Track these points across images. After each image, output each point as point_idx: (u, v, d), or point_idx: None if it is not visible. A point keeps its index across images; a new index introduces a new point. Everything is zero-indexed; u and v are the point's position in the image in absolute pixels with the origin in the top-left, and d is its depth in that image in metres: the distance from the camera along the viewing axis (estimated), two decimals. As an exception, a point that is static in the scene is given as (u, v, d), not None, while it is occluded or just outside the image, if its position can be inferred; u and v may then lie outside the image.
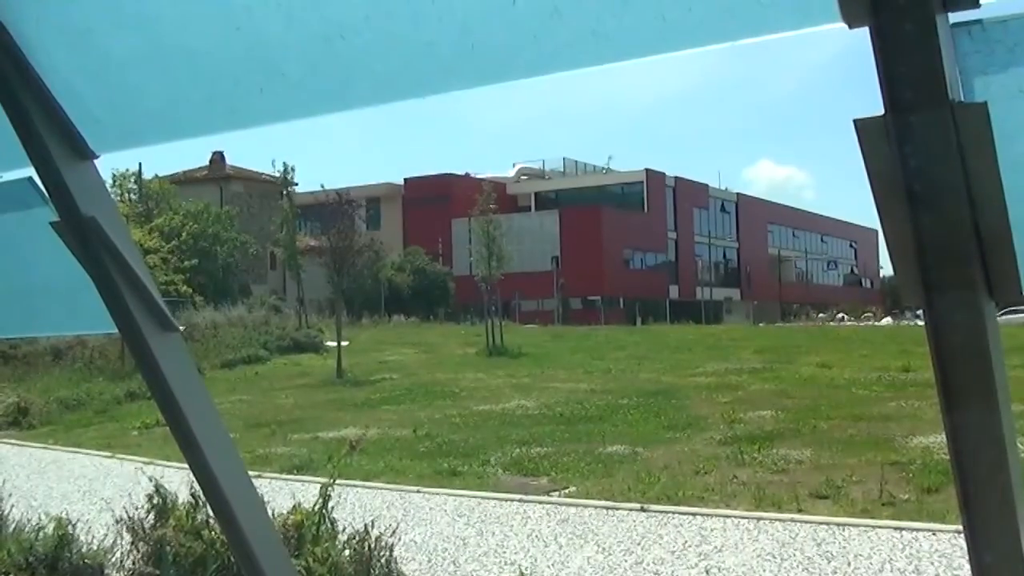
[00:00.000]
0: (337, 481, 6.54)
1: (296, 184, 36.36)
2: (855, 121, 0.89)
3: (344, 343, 25.96)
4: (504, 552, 7.87)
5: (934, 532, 7.67)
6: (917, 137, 0.86)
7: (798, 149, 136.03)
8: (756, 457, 11.23)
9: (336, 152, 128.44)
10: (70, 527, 6.33)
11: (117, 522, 6.41)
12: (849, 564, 7.04)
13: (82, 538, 6.41)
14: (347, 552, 5.96)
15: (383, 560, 6.06)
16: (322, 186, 30.31)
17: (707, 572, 7.02)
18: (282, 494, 9.28)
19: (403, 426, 15.21)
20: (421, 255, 56.33)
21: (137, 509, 6.35)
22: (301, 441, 14.40)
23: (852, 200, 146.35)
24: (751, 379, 19.38)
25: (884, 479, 9.19)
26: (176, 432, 1.37)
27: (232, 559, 5.38)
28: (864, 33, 0.86)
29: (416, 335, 35.05)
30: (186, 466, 1.39)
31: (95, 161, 1.34)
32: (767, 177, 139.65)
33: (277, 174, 37.61)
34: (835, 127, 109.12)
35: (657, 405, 16.22)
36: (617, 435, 13.45)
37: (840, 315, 67.56)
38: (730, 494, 9.51)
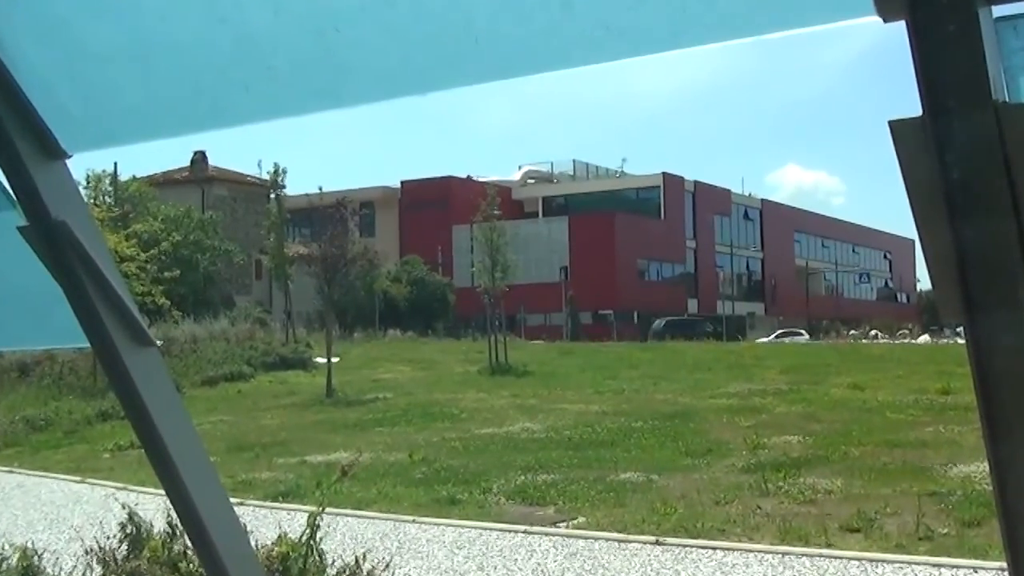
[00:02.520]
0: (326, 509, 6.52)
1: (285, 187, 36.39)
2: (890, 123, 0.88)
3: (335, 359, 25.95)
4: (507, 588, 7.84)
5: (975, 570, 7.63)
6: (958, 140, 0.86)
7: (828, 152, 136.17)
8: (781, 486, 11.19)
9: (328, 153, 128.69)
10: (36, 558, 6.32)
11: (87, 553, 6.39)
12: (883, 604, 7.00)
13: (49, 570, 6.40)
14: (336, 587, 5.93)
15: (375, 596, 6.03)
16: (320, 188, 30.35)
17: (728, 611, 6.99)
18: (266, 523, 9.26)
19: (398, 450, 15.18)
20: (419, 264, 56.39)
21: (109, 539, 6.34)
22: (287, 466, 14.38)
23: (886, 208, 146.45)
24: (776, 401, 19.33)
25: (921, 511, 9.15)
26: (152, 455, 1.36)
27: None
28: (900, 28, 0.86)
29: (413, 351, 35.02)
30: (162, 492, 1.39)
31: (67, 161, 1.34)
32: (794, 182, 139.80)
33: (264, 176, 37.68)
34: (868, 129, 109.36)
35: (674, 429, 16.18)
36: (630, 461, 13.41)
37: (873, 332, 67.36)
38: (753, 526, 9.48)
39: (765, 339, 53.71)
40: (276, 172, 35.93)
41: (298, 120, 1.25)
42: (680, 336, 47.18)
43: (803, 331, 58.93)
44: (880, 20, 0.87)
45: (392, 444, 15.91)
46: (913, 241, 73.09)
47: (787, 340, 53.07)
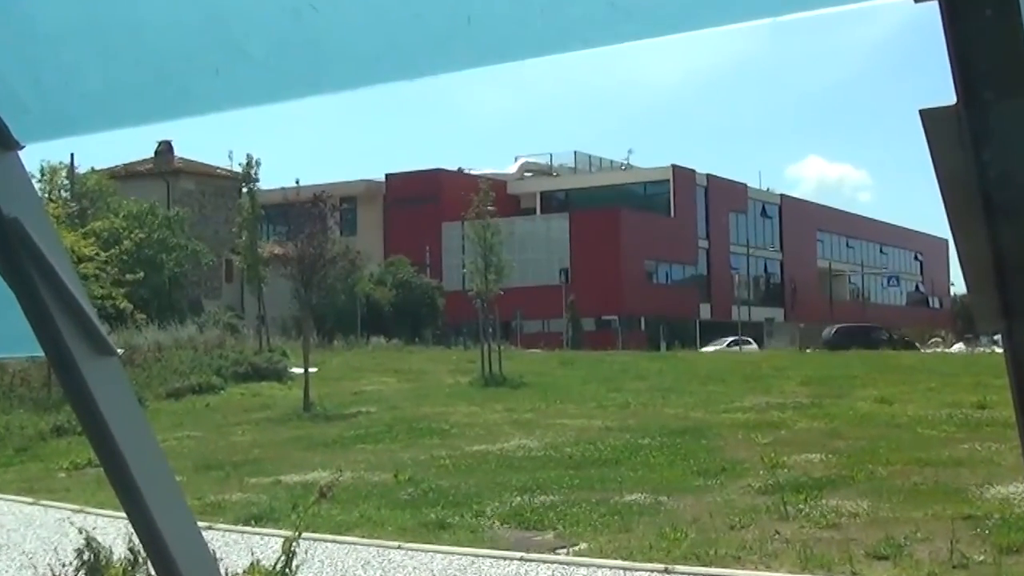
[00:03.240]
0: (303, 534, 6.52)
1: (258, 180, 36.34)
2: (921, 112, 0.88)
3: (313, 370, 25.92)
4: (501, 621, 7.84)
5: (1014, 600, 7.64)
6: (995, 132, 0.86)
7: (853, 144, 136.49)
8: (802, 509, 11.19)
9: (306, 144, 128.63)
10: (-16, 587, 6.30)
11: (40, 581, 6.38)
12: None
13: (-2, 600, 6.38)
14: (314, 619, 5.93)
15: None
16: (297, 182, 30.31)
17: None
18: (237, 549, 9.25)
19: (382, 469, 15.17)
20: (405, 265, 56.38)
21: (65, 566, 6.33)
22: (261, 486, 14.36)
23: (917, 205, 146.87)
24: (796, 416, 19.34)
25: (955, 536, 9.16)
26: (112, 474, 1.36)
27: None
28: (932, 8, 0.86)
29: (398, 361, 35.00)
30: (123, 515, 1.39)
31: (19, 152, 1.34)
32: (816, 176, 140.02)
33: (235, 168, 37.60)
34: (897, 119, 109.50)
35: (684, 446, 16.18)
36: (637, 482, 13.41)
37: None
38: (771, 553, 9.48)
39: (712, 347, 53.31)
40: (249, 164, 35.87)
41: (273, 108, 1.26)
42: (855, 346, 44.41)
43: (751, 339, 58.66)
44: (910, 0, 0.87)
45: (375, 462, 15.90)
46: (946, 241, 73.19)
47: (739, 348, 52.94)
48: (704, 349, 52.09)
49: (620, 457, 15.49)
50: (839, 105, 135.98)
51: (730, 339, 58.18)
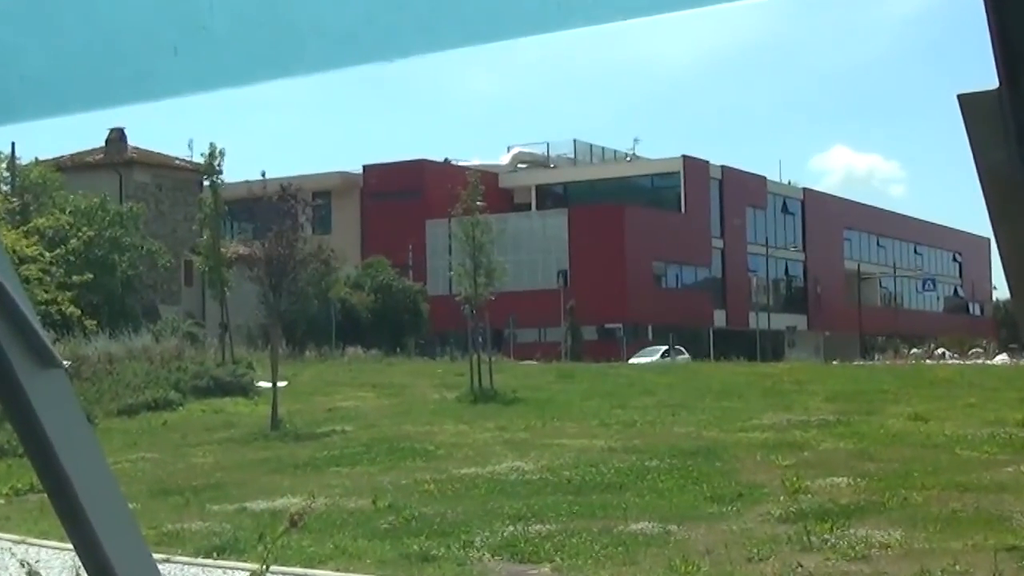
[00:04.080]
0: (271, 568, 6.51)
1: (222, 173, 36.29)
2: (959, 96, 0.89)
3: (282, 384, 25.91)
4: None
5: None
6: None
7: (884, 132, 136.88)
8: (828, 539, 11.20)
9: (274, 132, 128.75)
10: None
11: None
12: None
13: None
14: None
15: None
16: (263, 174, 30.26)
17: None
18: (197, 584, 9.23)
19: (359, 495, 15.17)
20: (385, 267, 56.38)
21: (4, 603, 6.32)
22: (224, 514, 14.34)
23: (956, 199, 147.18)
24: (821, 435, 19.38)
25: (997, 570, 9.16)
26: (57, 500, 1.36)
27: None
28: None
29: (378, 374, 35.00)
30: (70, 546, 1.38)
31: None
32: (843, 167, 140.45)
33: (196, 159, 37.49)
34: (933, 104, 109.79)
35: (696, 469, 16.21)
36: (643, 508, 13.42)
37: (939, 350, 67.68)
38: (793, 588, 9.48)
39: (646, 359, 51.93)
40: (211, 155, 35.78)
41: (239, 92, 1.26)
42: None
43: (683, 348, 57.80)
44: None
45: (352, 487, 15.90)
46: (988, 240, 73.06)
47: (671, 359, 52.02)
48: (633, 360, 50.85)
49: (625, 481, 15.50)
50: (868, 89, 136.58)
51: (663, 349, 57.19)
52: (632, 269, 65.71)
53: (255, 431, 22.94)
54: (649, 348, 58.08)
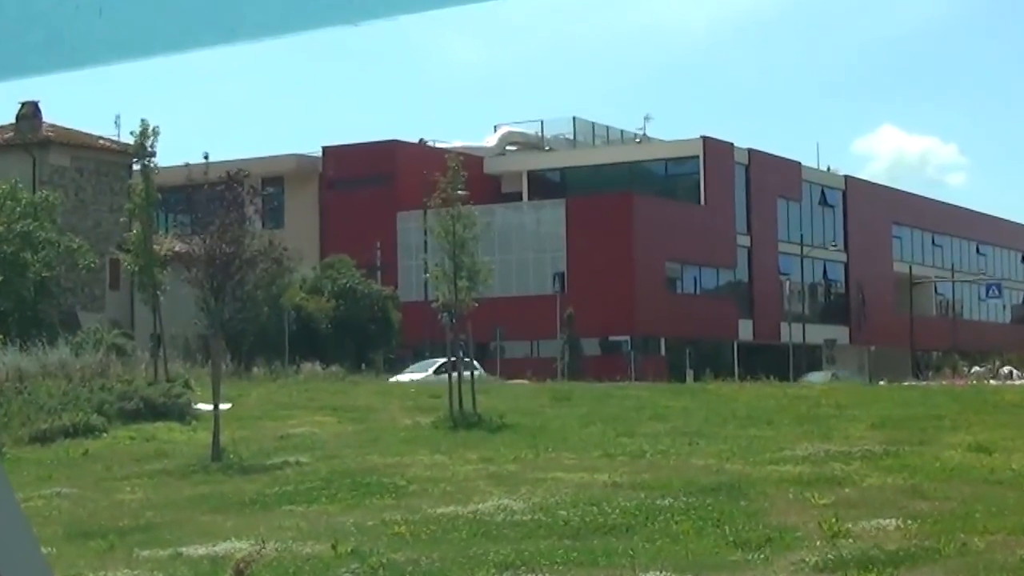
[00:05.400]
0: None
1: (155, 155, 36.22)
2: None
3: (225, 406, 25.87)
4: None
5: None
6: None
7: (940, 110, 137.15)
8: (872, 592, 11.23)
9: (219, 108, 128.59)
10: None
11: None
12: None
13: None
14: None
15: None
16: (206, 157, 30.14)
17: None
18: (124, 644, 9.22)
19: (316, 538, 15.17)
20: (348, 268, 56.35)
21: None
22: (155, 560, 14.33)
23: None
24: (865, 468, 19.39)
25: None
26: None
27: None
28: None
29: (339, 395, 34.93)
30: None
31: None
32: (892, 152, 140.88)
33: (124, 139, 37.34)
34: (999, 78, 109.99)
35: (718, 508, 16.21)
36: (654, 555, 13.43)
37: (1006, 368, 67.74)
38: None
39: (418, 375, 46.53)
40: (143, 133, 35.75)
41: (176, 60, 1.26)
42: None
43: (476, 362, 49.06)
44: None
45: (308, 529, 15.89)
46: (1063, 238, 73.36)
47: (454, 376, 44.00)
48: (398, 378, 45.81)
49: (632, 523, 15.51)
50: (922, 60, 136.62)
51: (440, 361, 45.37)
52: (641, 271, 65.63)
53: (193, 462, 22.92)
54: (422, 362, 51.49)
